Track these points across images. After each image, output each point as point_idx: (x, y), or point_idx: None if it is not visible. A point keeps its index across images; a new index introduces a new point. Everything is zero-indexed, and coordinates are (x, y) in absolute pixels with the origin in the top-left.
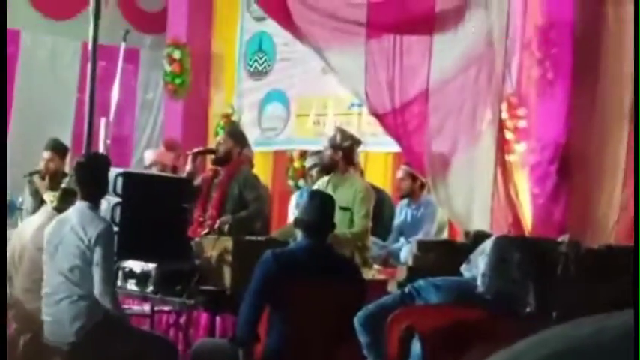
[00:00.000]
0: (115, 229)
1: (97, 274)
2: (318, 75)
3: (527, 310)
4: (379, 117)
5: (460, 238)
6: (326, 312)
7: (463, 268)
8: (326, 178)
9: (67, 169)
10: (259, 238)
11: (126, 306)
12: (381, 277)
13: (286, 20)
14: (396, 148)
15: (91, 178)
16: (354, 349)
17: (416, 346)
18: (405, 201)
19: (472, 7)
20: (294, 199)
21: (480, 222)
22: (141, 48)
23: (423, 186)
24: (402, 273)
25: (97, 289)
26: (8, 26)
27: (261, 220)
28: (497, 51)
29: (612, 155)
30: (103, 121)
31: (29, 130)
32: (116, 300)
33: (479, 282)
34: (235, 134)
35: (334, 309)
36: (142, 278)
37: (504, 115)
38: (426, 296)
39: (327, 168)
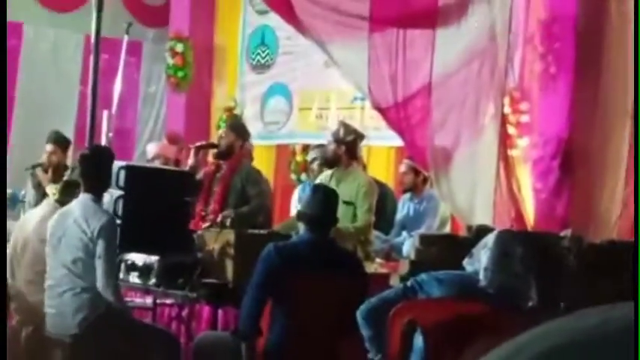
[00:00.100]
0: (118, 222)
1: (99, 267)
2: (321, 69)
3: (530, 304)
4: (382, 111)
5: (463, 233)
6: (328, 306)
7: (465, 262)
8: (329, 172)
9: (69, 161)
10: (262, 231)
11: (128, 299)
12: (384, 271)
13: (289, 13)
14: (398, 142)
15: (94, 171)
16: (356, 343)
17: (418, 340)
18: (408, 195)
19: (475, 1)
20: (296, 193)
21: (482, 216)
22: (143, 41)
23: (425, 180)
24: (404, 267)
25: (100, 282)
26: (11, 19)
27: (263, 214)
28: (500, 45)
29: (615, 150)
30: (105, 113)
31: (32, 123)
32: (118, 293)
33: (481, 276)
34: (237, 128)
35: (336, 303)
36: (145, 271)
37: (507, 110)
38: (428, 290)
39: (330, 162)
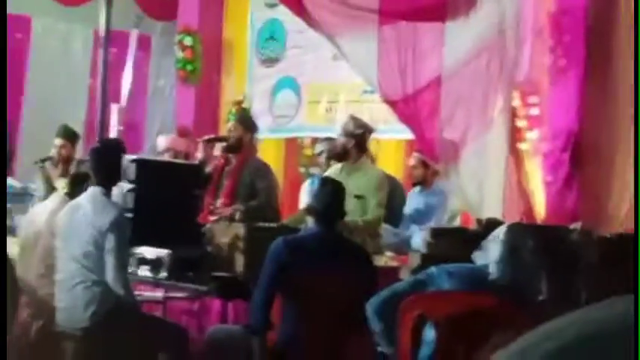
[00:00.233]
0: (128, 215)
1: (109, 261)
2: (330, 62)
3: (540, 297)
4: (391, 104)
5: (472, 226)
6: (337, 299)
7: (476, 255)
8: (339, 166)
9: (79, 155)
10: (271, 224)
11: (138, 292)
12: (394, 264)
13: (298, 7)
14: (408, 135)
15: (105, 164)
16: (367, 337)
17: (429, 333)
18: (417, 188)
19: None
20: (305, 186)
21: (492, 209)
22: (152, 34)
23: (435, 173)
24: (414, 260)
25: (110, 276)
26: (19, 12)
27: (270, 209)
28: (509, 38)
29: (625, 143)
30: (115, 107)
31: (41, 117)
32: (128, 287)
33: (492, 269)
34: (246, 121)
35: (346, 296)
36: (155, 265)
37: (516, 103)
38: (438, 283)
39: (338, 155)
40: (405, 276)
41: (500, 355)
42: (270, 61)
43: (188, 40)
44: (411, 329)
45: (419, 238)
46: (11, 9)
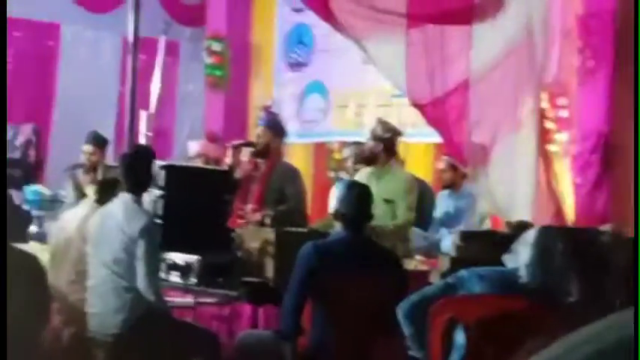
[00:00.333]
0: (158, 221)
1: (140, 268)
2: (358, 66)
3: (571, 300)
4: (420, 107)
5: (502, 229)
6: (368, 303)
7: (506, 258)
8: (368, 170)
9: (108, 161)
10: (301, 229)
11: (169, 298)
12: (424, 268)
13: (325, 11)
14: (436, 138)
15: (135, 170)
16: (397, 341)
17: (459, 337)
18: (447, 192)
19: None
20: (333, 191)
21: (521, 212)
22: (181, 40)
23: (464, 176)
24: (444, 264)
25: (141, 283)
26: (49, 20)
27: (299, 214)
28: (537, 40)
29: None
30: (144, 113)
31: (71, 124)
32: (160, 293)
33: (522, 272)
34: (275, 126)
35: (376, 300)
36: (185, 270)
37: (545, 105)
38: (469, 286)
39: (367, 160)
40: (435, 280)
41: (540, 357)
42: (297, 66)
43: (216, 46)
44: (442, 333)
45: (448, 241)
46: (41, 17)
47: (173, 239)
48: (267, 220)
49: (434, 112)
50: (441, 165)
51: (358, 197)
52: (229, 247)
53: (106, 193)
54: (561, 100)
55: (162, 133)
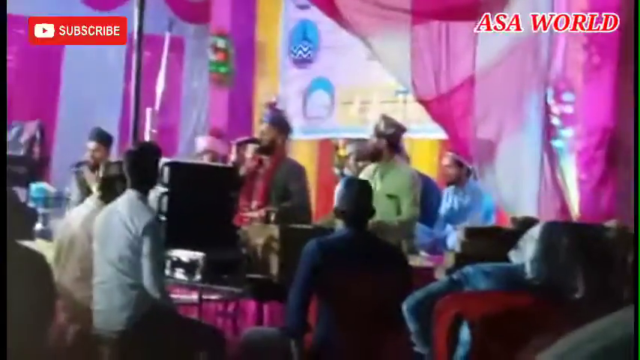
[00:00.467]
0: (163, 218)
1: (145, 265)
2: (363, 62)
3: (576, 296)
4: (425, 104)
5: (507, 225)
6: (372, 300)
7: (511, 254)
8: (372, 166)
9: (113, 159)
10: (306, 226)
11: (174, 295)
12: (429, 264)
13: (330, 8)
14: (442, 134)
15: (140, 167)
16: (402, 337)
17: (465, 333)
18: (452, 188)
19: None
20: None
21: (527, 208)
22: (185, 37)
23: (469, 172)
24: (449, 260)
25: (146, 280)
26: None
27: (303, 210)
28: (543, 36)
29: None
30: (148, 110)
31: (76, 121)
32: (165, 290)
33: (528, 268)
34: (279, 123)
35: (381, 297)
36: (190, 267)
37: (550, 101)
38: (474, 283)
39: (370, 156)
40: (441, 276)
41: (544, 357)
42: (302, 63)
43: (221, 43)
44: (447, 329)
45: (454, 237)
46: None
47: (178, 236)
48: (272, 217)
49: (439, 108)
50: (446, 161)
51: (357, 193)
52: (234, 244)
53: (108, 189)
54: (567, 96)
55: (167, 130)
